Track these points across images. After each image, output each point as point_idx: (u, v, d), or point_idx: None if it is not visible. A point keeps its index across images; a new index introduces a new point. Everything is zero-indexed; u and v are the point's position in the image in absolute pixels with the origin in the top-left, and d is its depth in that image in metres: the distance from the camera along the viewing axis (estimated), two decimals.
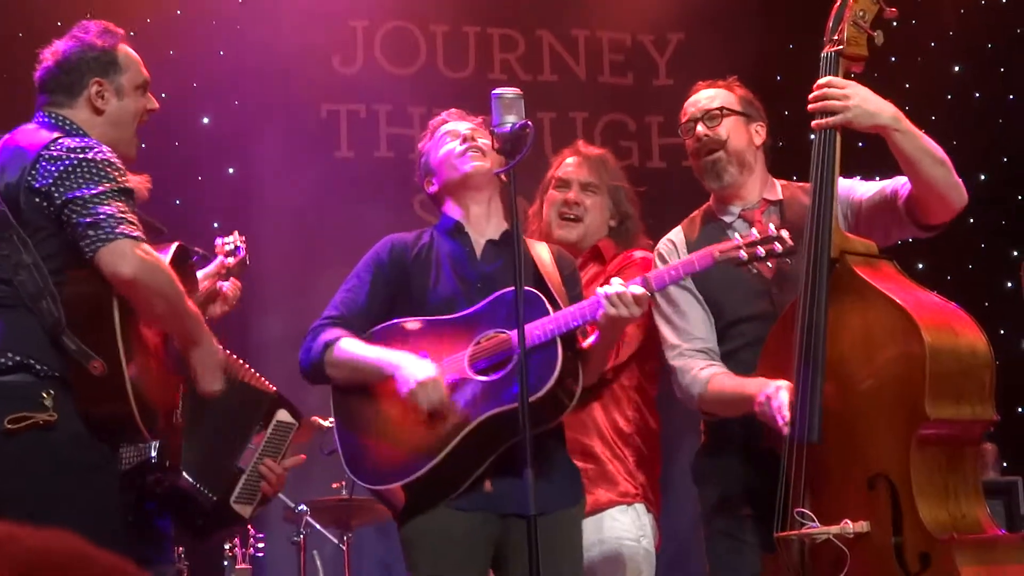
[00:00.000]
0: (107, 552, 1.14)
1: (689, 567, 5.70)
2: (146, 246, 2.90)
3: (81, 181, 2.90)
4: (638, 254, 3.90)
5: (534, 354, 3.12)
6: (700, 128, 3.56)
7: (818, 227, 3.10)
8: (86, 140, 3.01)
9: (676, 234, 3.63)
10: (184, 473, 3.32)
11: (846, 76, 3.23)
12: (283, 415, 3.60)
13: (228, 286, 3.58)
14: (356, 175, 7.16)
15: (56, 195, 2.90)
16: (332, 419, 3.59)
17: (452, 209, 3.61)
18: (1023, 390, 7.18)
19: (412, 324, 3.43)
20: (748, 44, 6.95)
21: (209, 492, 3.39)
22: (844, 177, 3.34)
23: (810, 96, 3.22)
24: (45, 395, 2.86)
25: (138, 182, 3.58)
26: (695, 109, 3.61)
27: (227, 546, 5.61)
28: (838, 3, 3.25)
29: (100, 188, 2.89)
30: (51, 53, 3.18)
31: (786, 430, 3.04)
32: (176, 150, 6.81)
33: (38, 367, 2.89)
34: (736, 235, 3.28)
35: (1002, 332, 7.16)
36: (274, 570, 6.31)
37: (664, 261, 3.52)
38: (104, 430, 2.95)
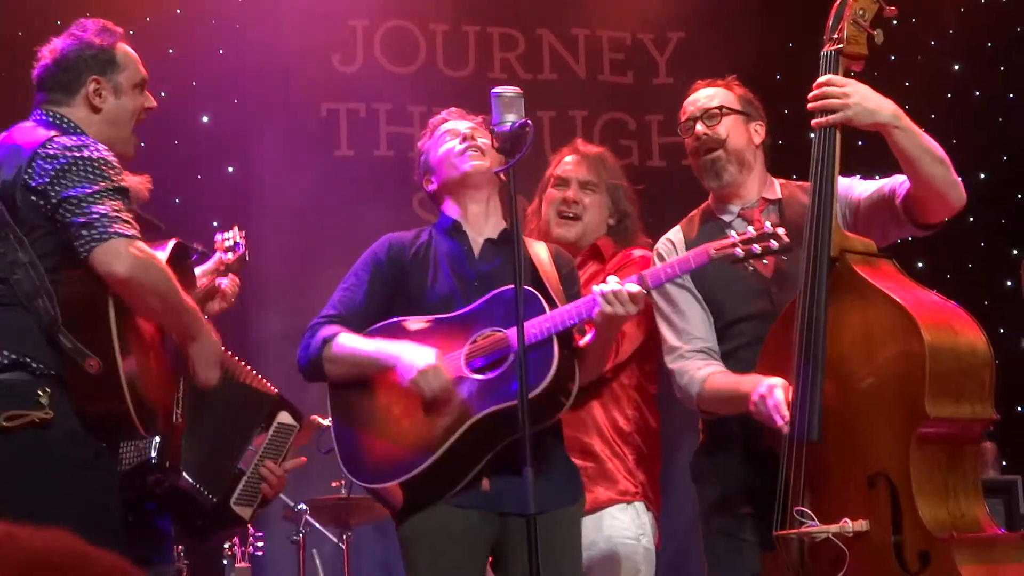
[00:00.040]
0: (105, 552, 1.14)
1: (688, 566, 5.70)
2: (141, 243, 2.89)
3: (76, 180, 2.89)
4: (637, 253, 3.90)
5: (530, 352, 3.12)
6: (699, 127, 3.56)
7: (818, 226, 3.10)
8: (82, 138, 3.01)
9: (675, 233, 3.63)
10: (184, 474, 3.31)
11: (846, 75, 3.23)
12: (284, 417, 3.59)
13: (227, 283, 3.57)
14: (356, 174, 7.16)
15: (52, 194, 2.90)
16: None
17: (451, 208, 3.61)
18: (1023, 389, 7.19)
19: (409, 322, 3.43)
20: (748, 43, 6.95)
21: (209, 493, 3.39)
22: (843, 176, 3.33)
23: (810, 95, 3.22)
24: (41, 393, 2.86)
25: (138, 182, 3.58)
26: (694, 108, 3.61)
27: (226, 545, 5.62)
28: (838, 2, 3.25)
29: (95, 187, 2.89)
30: (49, 51, 3.18)
31: (786, 429, 3.04)
32: (176, 149, 6.81)
33: (34, 365, 2.88)
34: (734, 234, 3.28)
35: (1002, 331, 7.16)
36: (273, 569, 6.31)
37: (663, 260, 3.52)
38: (100, 428, 2.95)
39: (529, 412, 2.89)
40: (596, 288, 3.21)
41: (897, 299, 2.95)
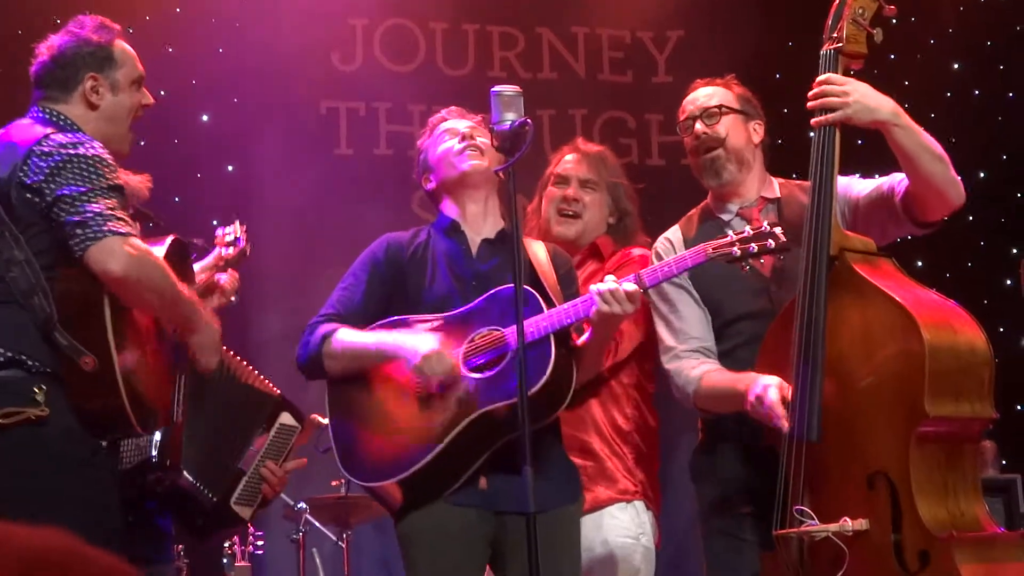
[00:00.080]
0: (102, 551, 1.14)
1: (688, 565, 5.70)
2: (135, 240, 2.89)
3: (71, 177, 2.89)
4: (636, 251, 3.90)
5: (528, 351, 3.11)
6: (699, 126, 3.56)
7: (817, 225, 3.10)
8: (77, 136, 3.01)
9: (674, 232, 3.64)
10: (185, 472, 3.32)
11: (845, 74, 3.23)
12: (286, 418, 3.59)
13: (226, 278, 3.55)
14: (356, 173, 7.16)
15: (47, 191, 2.89)
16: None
17: (449, 207, 3.61)
18: (1022, 388, 7.19)
19: (407, 322, 3.43)
20: (747, 42, 6.96)
21: (209, 492, 3.39)
22: (843, 175, 3.33)
23: (809, 94, 3.22)
24: (37, 390, 2.85)
25: (138, 181, 3.58)
26: (693, 107, 3.61)
27: (226, 544, 5.62)
28: (837, 1, 3.25)
29: (89, 186, 2.89)
30: (47, 48, 3.17)
31: (785, 428, 3.04)
32: (175, 148, 6.80)
33: (30, 363, 2.88)
34: (731, 232, 3.28)
35: (1001, 330, 7.16)
36: (273, 568, 6.31)
37: (660, 259, 3.52)
38: (96, 425, 2.95)
39: (527, 410, 2.90)
40: (593, 287, 3.22)
41: (897, 298, 2.95)
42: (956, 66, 7.89)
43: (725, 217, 3.56)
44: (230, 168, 7.17)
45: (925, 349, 2.86)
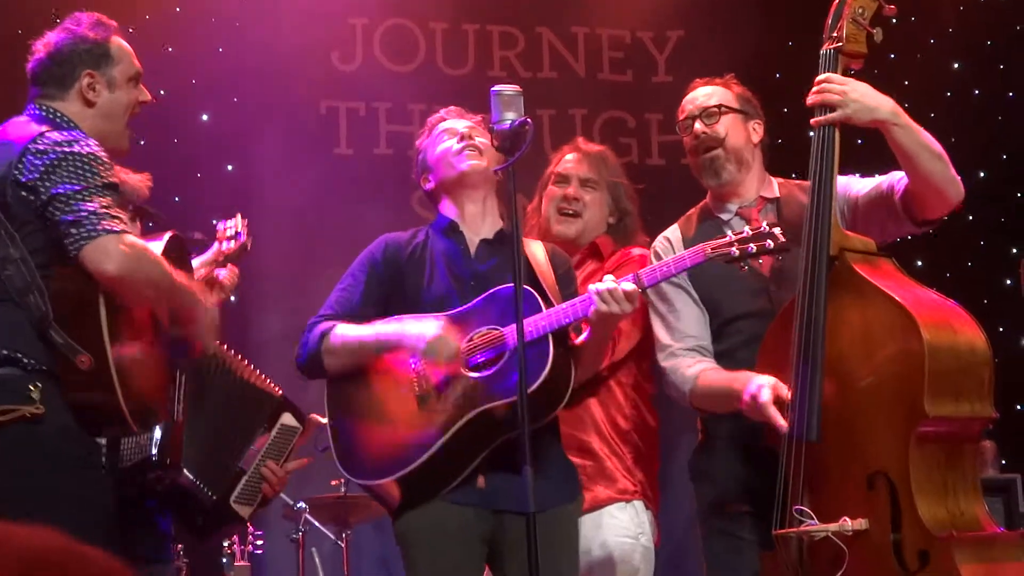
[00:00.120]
0: (98, 551, 1.14)
1: (687, 565, 5.70)
2: (130, 237, 2.88)
3: (65, 176, 2.89)
4: (636, 251, 3.90)
5: (526, 350, 3.12)
6: (698, 125, 3.56)
7: (817, 224, 3.10)
8: (72, 133, 3.00)
9: (672, 232, 3.64)
10: (185, 471, 3.32)
11: (845, 73, 3.23)
12: (288, 419, 3.60)
13: (225, 273, 3.55)
14: (355, 172, 7.17)
15: (42, 190, 2.89)
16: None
17: (447, 207, 3.61)
18: (1022, 388, 7.19)
19: None
20: (747, 42, 6.96)
21: (209, 491, 3.40)
22: (842, 174, 3.33)
23: (809, 93, 3.22)
24: (32, 388, 2.85)
25: (138, 180, 3.57)
26: (693, 107, 3.61)
27: (226, 544, 5.62)
28: (837, 0, 3.26)
29: (83, 184, 2.88)
30: (43, 45, 3.16)
31: (784, 428, 3.04)
32: (175, 147, 6.81)
33: (25, 361, 2.88)
34: (730, 232, 3.28)
35: (1001, 329, 7.17)
36: (273, 567, 6.31)
37: (659, 258, 3.52)
38: (92, 423, 2.95)
39: (520, 410, 2.90)
40: (592, 287, 3.22)
41: (896, 298, 2.95)
42: (956, 66, 7.90)
43: (724, 217, 3.56)
44: (230, 168, 7.17)
45: (925, 349, 2.86)
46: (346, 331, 3.42)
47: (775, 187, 3.59)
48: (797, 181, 3.59)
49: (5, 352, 2.88)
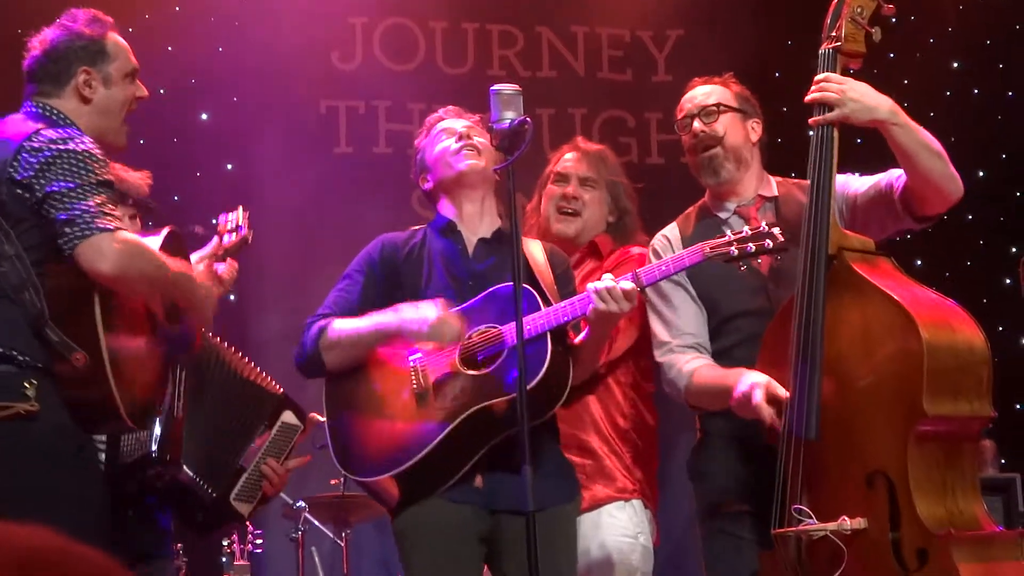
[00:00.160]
0: (92, 550, 1.13)
1: (686, 564, 5.69)
2: (123, 233, 2.88)
3: (60, 173, 2.89)
4: (635, 250, 3.90)
5: (524, 348, 3.12)
6: (697, 124, 3.56)
7: (816, 224, 3.10)
8: (67, 131, 3.00)
9: (671, 230, 3.64)
10: (185, 467, 3.32)
11: (844, 73, 3.24)
12: (288, 416, 3.60)
13: (224, 268, 3.53)
14: (355, 171, 7.16)
15: (37, 188, 2.89)
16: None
17: (446, 207, 3.61)
18: (1022, 387, 7.19)
19: None
20: (747, 41, 6.96)
21: (209, 488, 3.40)
22: (840, 173, 3.33)
23: (807, 93, 3.22)
24: (27, 385, 2.85)
25: (138, 178, 3.57)
26: (692, 105, 3.61)
27: (225, 543, 5.62)
28: (836, 0, 3.26)
29: (78, 181, 2.88)
30: (39, 42, 3.16)
31: (776, 426, 3.05)
32: (175, 146, 6.81)
33: (20, 358, 2.88)
34: (729, 232, 3.29)
35: (1001, 329, 7.17)
36: (273, 567, 6.31)
37: (658, 256, 3.53)
38: (87, 421, 2.96)
39: (520, 409, 2.90)
40: (591, 285, 3.22)
41: (895, 297, 2.95)
42: (956, 65, 7.89)
43: (723, 215, 3.57)
44: (229, 167, 7.16)
45: (924, 348, 2.86)
46: (343, 325, 3.41)
47: (773, 186, 3.60)
48: (796, 180, 3.59)
49: (0, 349, 2.89)
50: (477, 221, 3.58)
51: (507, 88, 3.08)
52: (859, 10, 3.21)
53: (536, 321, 3.23)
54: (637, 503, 3.83)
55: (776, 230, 3.14)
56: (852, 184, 3.45)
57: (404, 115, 7.18)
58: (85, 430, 2.97)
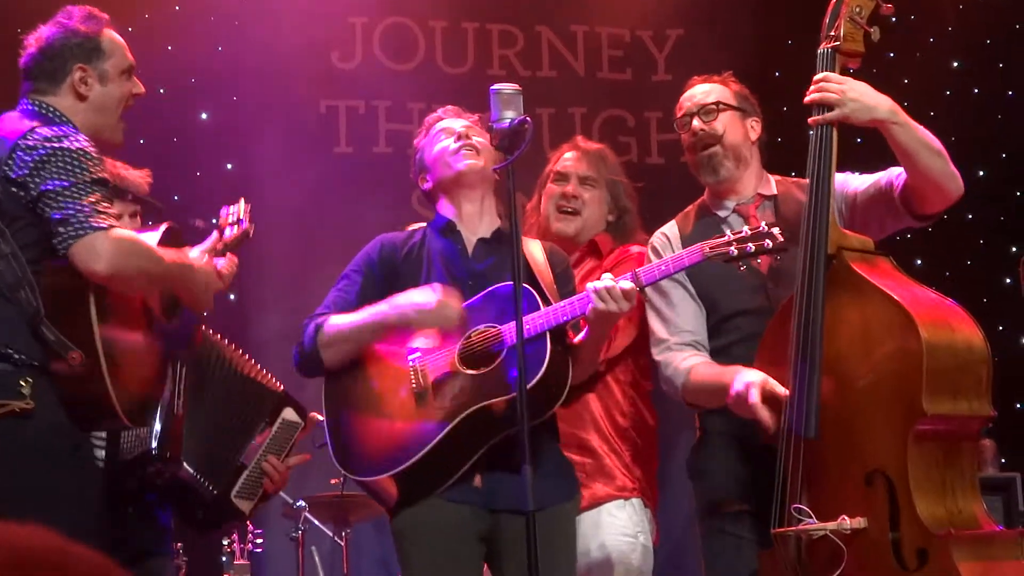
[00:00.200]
0: (87, 549, 1.13)
1: (686, 563, 5.69)
2: (118, 231, 2.88)
3: (54, 172, 2.88)
4: (635, 249, 3.90)
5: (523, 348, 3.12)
6: (696, 123, 3.56)
7: (815, 223, 3.10)
8: (62, 128, 2.99)
9: (670, 228, 3.64)
10: (185, 464, 3.32)
11: (843, 72, 3.24)
12: (289, 414, 3.60)
13: (223, 263, 3.52)
14: (355, 171, 7.16)
15: (31, 186, 2.89)
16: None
17: (445, 207, 3.61)
18: (1022, 386, 7.19)
19: None
20: (747, 40, 6.97)
21: (210, 485, 3.40)
22: (839, 172, 3.33)
23: (807, 93, 3.22)
24: (23, 383, 2.85)
25: (139, 176, 3.57)
26: (691, 104, 3.61)
27: (225, 542, 5.62)
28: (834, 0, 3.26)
29: (72, 180, 2.87)
30: (35, 39, 3.16)
31: (767, 425, 3.05)
32: (175, 146, 6.81)
33: (16, 356, 2.87)
34: (728, 231, 3.29)
35: (1001, 328, 7.17)
36: (272, 566, 6.31)
37: (657, 254, 3.53)
38: (83, 419, 2.96)
39: (520, 408, 2.90)
40: (590, 285, 3.22)
41: (894, 296, 2.95)
42: (956, 64, 7.89)
43: (722, 214, 3.57)
44: (229, 166, 7.16)
45: (923, 347, 2.86)
46: (339, 320, 3.41)
47: (773, 184, 3.60)
48: (795, 179, 3.59)
49: None
50: (476, 221, 3.58)
51: (507, 88, 3.09)
52: (858, 10, 3.21)
53: (535, 321, 3.23)
54: (637, 502, 3.83)
55: (776, 230, 3.13)
56: (851, 183, 3.45)
57: (404, 115, 7.18)
58: (81, 428, 2.97)
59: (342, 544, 5.84)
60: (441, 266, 3.50)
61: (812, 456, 3.02)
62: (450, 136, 3.57)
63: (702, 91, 3.62)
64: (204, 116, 7.17)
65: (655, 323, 3.54)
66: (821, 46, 3.25)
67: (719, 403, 3.28)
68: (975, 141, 7.04)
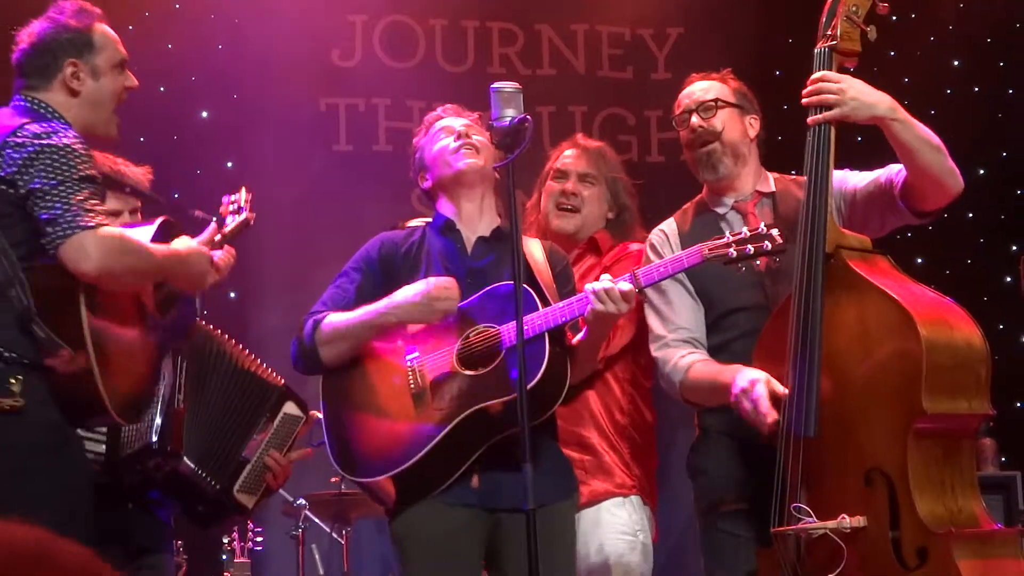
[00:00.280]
0: (75, 545, 1.13)
1: (686, 561, 5.70)
2: (106, 229, 2.86)
3: (42, 169, 2.86)
4: (634, 247, 3.90)
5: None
6: (695, 120, 3.56)
7: (813, 222, 3.10)
8: (52, 124, 2.97)
9: (668, 225, 3.64)
10: (186, 459, 3.32)
11: (840, 71, 3.24)
12: (291, 408, 3.60)
13: (221, 255, 3.52)
14: (355, 169, 7.15)
15: (20, 184, 2.88)
16: None
17: (445, 206, 3.61)
18: (1022, 385, 7.19)
19: None
20: (747, 39, 6.96)
21: (211, 479, 3.40)
22: (837, 169, 3.33)
23: (804, 92, 3.22)
24: (13, 381, 2.84)
25: (139, 173, 3.56)
26: (690, 101, 3.61)
27: (225, 540, 5.62)
28: None
29: (60, 178, 2.86)
30: (27, 35, 3.14)
31: (771, 423, 3.05)
32: (175, 144, 6.80)
33: (7, 354, 2.86)
34: (727, 230, 3.29)
35: (1001, 327, 7.17)
36: (273, 564, 6.31)
37: (655, 251, 3.53)
38: (74, 417, 2.95)
39: (520, 408, 2.89)
40: (589, 286, 3.22)
41: (893, 295, 2.95)
42: (956, 63, 7.88)
43: (720, 211, 3.57)
44: (229, 164, 7.16)
45: (922, 346, 2.87)
46: (337, 318, 3.41)
47: (771, 182, 3.60)
48: (793, 176, 3.59)
49: None
50: (476, 219, 3.57)
51: (507, 86, 3.08)
52: (854, 9, 3.21)
53: (534, 321, 3.22)
54: (636, 499, 3.83)
55: (775, 232, 3.13)
56: (850, 180, 3.45)
57: (404, 113, 7.18)
58: (72, 425, 2.96)
59: (342, 542, 5.84)
60: (440, 264, 3.50)
61: (811, 455, 3.02)
62: (450, 135, 3.57)
63: (701, 88, 3.62)
64: (204, 114, 7.17)
65: (653, 320, 3.54)
66: (818, 45, 3.26)
67: (717, 401, 3.28)
68: (975, 140, 7.02)
